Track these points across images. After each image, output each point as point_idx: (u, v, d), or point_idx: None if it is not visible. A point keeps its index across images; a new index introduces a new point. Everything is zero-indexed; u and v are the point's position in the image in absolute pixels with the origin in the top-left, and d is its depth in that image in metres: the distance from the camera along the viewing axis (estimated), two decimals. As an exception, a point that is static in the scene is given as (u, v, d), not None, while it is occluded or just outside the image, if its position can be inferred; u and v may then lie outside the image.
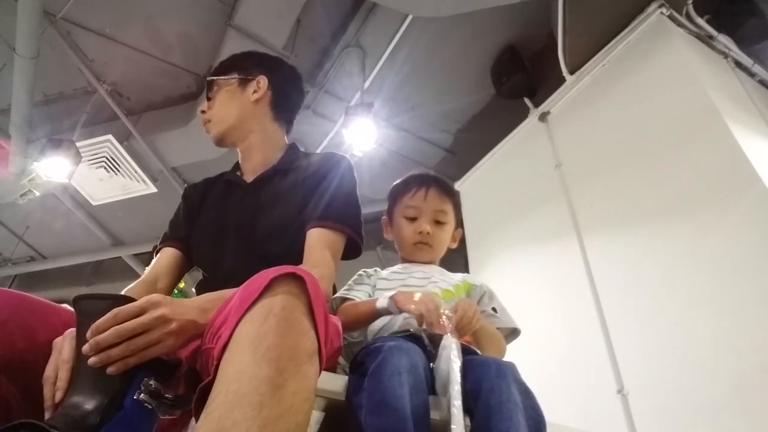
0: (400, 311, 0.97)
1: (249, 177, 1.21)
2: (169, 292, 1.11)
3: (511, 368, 0.82)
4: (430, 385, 0.79)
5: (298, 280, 0.63)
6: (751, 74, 2.22)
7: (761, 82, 2.25)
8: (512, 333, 1.14)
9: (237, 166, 1.29)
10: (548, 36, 2.80)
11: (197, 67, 3.09)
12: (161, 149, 3.27)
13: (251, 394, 0.52)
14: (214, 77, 1.25)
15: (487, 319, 1.12)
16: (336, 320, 1.01)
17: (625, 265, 1.81)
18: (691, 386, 1.45)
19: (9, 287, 4.58)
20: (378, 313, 1.01)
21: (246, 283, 0.65)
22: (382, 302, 1.00)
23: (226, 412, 0.51)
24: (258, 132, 1.22)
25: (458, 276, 1.22)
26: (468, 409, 0.77)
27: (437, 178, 1.32)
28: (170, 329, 0.66)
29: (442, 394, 0.79)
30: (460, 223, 1.35)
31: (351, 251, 1.07)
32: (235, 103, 1.21)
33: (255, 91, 1.22)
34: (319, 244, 0.99)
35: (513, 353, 1.14)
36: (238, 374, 0.54)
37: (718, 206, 1.58)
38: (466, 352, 0.97)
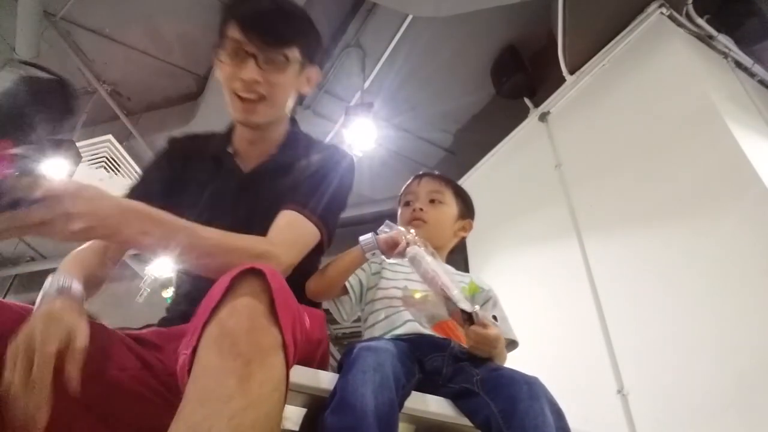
0: (382, 246, 1.00)
1: (246, 163, 1.07)
2: (118, 251, 0.99)
3: (542, 388, 0.81)
4: (403, 383, 0.78)
5: (259, 275, 0.64)
6: (751, 74, 2.22)
7: (761, 82, 2.25)
8: (510, 344, 1.13)
9: (227, 138, 1.10)
10: (548, 36, 2.80)
11: (197, 67, 3.10)
12: (161, 149, 3.27)
13: (219, 388, 0.54)
14: (285, 44, 0.97)
15: None
16: (317, 312, 0.95)
17: (624, 264, 1.81)
18: (691, 386, 1.45)
19: (9, 287, 4.59)
20: (362, 257, 1.02)
21: (211, 288, 0.66)
22: (365, 239, 1.01)
23: (196, 407, 0.53)
24: (283, 120, 1.10)
25: (465, 277, 1.22)
26: (497, 429, 0.77)
27: (434, 172, 1.34)
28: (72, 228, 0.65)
29: (438, 293, 0.91)
30: (469, 215, 1.32)
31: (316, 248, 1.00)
32: (292, 89, 1.03)
33: (308, 82, 1.06)
34: (289, 228, 0.92)
35: (513, 353, 1.14)
36: (205, 371, 0.56)
37: (718, 206, 1.58)
38: (467, 356, 0.97)
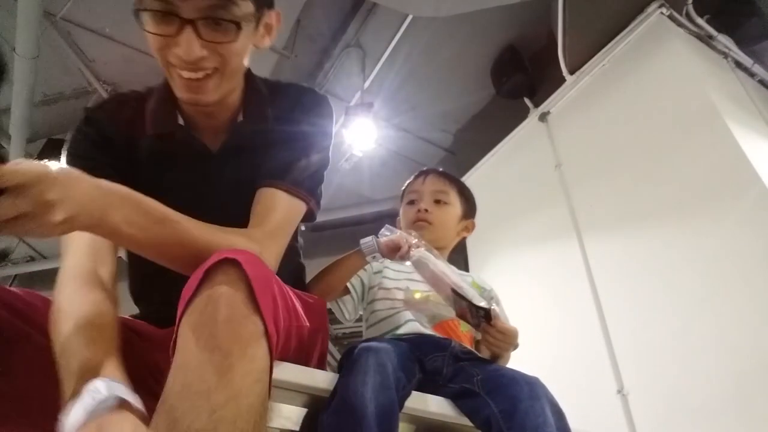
0: (383, 249, 1.02)
1: (208, 138, 0.89)
2: (114, 278, 0.84)
3: (542, 388, 0.82)
4: (403, 384, 0.79)
5: (235, 264, 0.61)
6: (751, 74, 2.22)
7: (761, 82, 2.25)
8: None
9: (173, 103, 0.88)
10: (548, 36, 2.80)
11: (197, 67, 3.09)
12: (161, 149, 3.27)
13: (197, 383, 0.52)
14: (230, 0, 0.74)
15: None
16: (315, 299, 0.90)
17: (624, 264, 1.81)
18: (691, 386, 1.45)
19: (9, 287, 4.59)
20: (363, 261, 1.03)
21: (187, 283, 0.63)
22: (366, 242, 1.02)
23: (176, 403, 0.52)
24: (238, 86, 0.89)
25: (467, 277, 1.21)
26: (497, 429, 0.77)
27: (438, 169, 1.33)
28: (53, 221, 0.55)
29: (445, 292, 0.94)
30: (472, 215, 1.31)
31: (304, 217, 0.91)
32: (248, 49, 0.83)
33: (267, 32, 0.86)
34: (270, 212, 0.81)
35: (513, 353, 1.14)
36: (184, 365, 0.55)
37: (718, 206, 1.58)
38: (468, 356, 0.97)
